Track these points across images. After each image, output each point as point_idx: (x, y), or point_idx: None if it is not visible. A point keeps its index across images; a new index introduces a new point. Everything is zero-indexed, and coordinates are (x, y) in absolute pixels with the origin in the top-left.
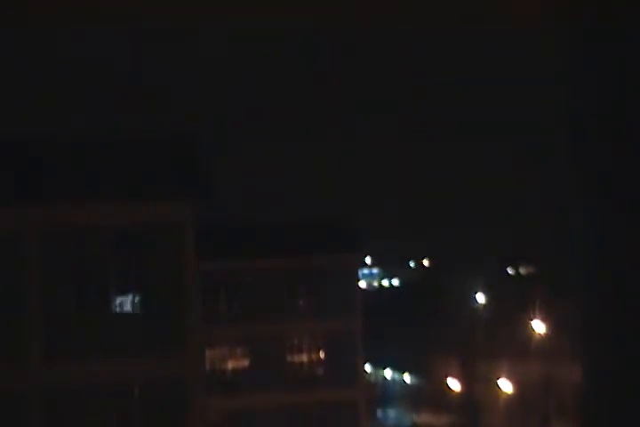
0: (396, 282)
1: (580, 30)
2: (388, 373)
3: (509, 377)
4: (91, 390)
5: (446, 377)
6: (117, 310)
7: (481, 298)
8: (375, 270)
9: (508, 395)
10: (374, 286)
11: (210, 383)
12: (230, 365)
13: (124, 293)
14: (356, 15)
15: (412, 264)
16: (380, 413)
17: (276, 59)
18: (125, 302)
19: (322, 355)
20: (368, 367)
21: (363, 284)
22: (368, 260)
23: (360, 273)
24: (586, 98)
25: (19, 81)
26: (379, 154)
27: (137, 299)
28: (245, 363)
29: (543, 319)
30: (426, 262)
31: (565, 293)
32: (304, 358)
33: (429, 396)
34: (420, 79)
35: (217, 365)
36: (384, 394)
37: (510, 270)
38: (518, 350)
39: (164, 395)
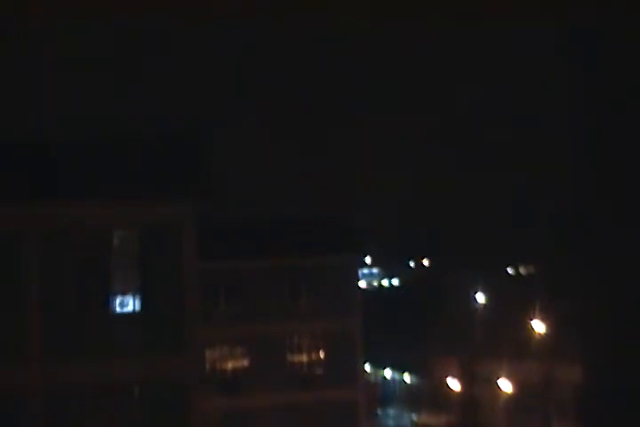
0: (395, 282)
1: (580, 30)
2: (388, 373)
3: (509, 377)
4: (91, 390)
5: (446, 377)
6: (117, 310)
7: (481, 298)
8: (375, 270)
9: (508, 395)
10: (374, 286)
11: (210, 383)
12: (230, 365)
13: (124, 293)
14: (356, 14)
15: (411, 264)
16: (380, 413)
17: (275, 56)
18: (125, 302)
19: (322, 355)
20: (368, 367)
21: (363, 284)
22: (368, 260)
23: (360, 273)
24: (586, 98)
25: (17, 81)
26: (378, 153)
27: (137, 299)
28: (245, 363)
29: (543, 319)
30: (426, 262)
31: (565, 293)
32: (304, 358)
33: (429, 396)
34: (421, 79)
35: (217, 365)
36: (384, 394)
37: (510, 270)
38: (518, 350)
39: (163, 395)
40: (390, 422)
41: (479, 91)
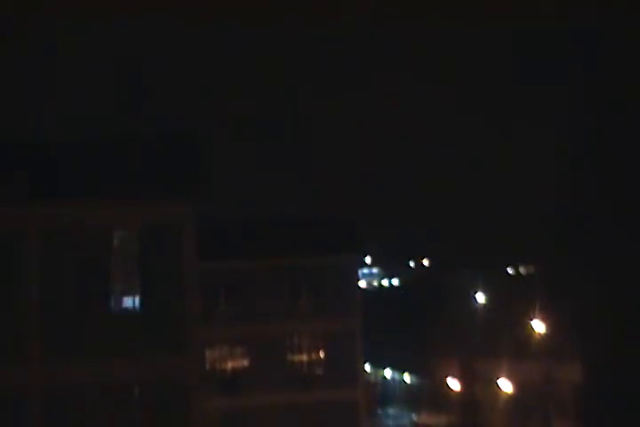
0: (395, 282)
1: (580, 30)
2: (388, 373)
3: (509, 377)
4: (91, 390)
5: (446, 377)
6: (117, 310)
7: (481, 298)
8: (375, 270)
9: (508, 395)
10: (374, 286)
11: (210, 383)
12: (230, 365)
13: (124, 293)
14: (356, 13)
15: (412, 264)
16: (380, 412)
17: (275, 57)
18: (125, 302)
19: (322, 355)
20: (368, 367)
21: (363, 284)
22: (368, 260)
23: (360, 273)
24: (586, 98)
25: (17, 81)
26: (378, 153)
27: (137, 299)
28: (245, 363)
29: (543, 319)
30: (426, 262)
31: (565, 293)
32: (304, 358)
33: (429, 396)
34: (419, 79)
35: (217, 365)
36: (384, 394)
37: (510, 270)
38: (518, 350)
39: (163, 395)
40: (390, 422)
41: (479, 90)
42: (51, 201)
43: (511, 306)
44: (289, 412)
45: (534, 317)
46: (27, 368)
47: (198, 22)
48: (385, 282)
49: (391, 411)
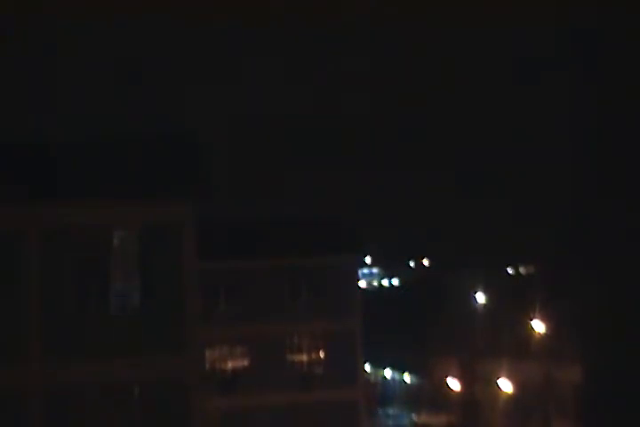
0: (395, 282)
1: (580, 30)
2: (388, 373)
3: (509, 377)
4: (91, 390)
5: (446, 377)
6: (117, 310)
7: (481, 298)
8: (375, 270)
9: (508, 395)
10: (374, 286)
11: (210, 383)
12: (230, 365)
13: (123, 293)
14: (356, 13)
15: (412, 264)
16: (380, 412)
17: (275, 57)
18: (125, 302)
19: (322, 355)
20: (368, 367)
21: (363, 284)
22: (368, 260)
23: (360, 273)
24: (586, 97)
25: (17, 81)
26: (378, 153)
27: (137, 299)
28: (245, 363)
29: (543, 319)
30: (426, 262)
31: (565, 293)
32: (304, 358)
33: (429, 396)
34: (419, 81)
35: (217, 365)
36: (384, 394)
37: (510, 270)
38: (518, 350)
39: (163, 395)
40: (390, 422)
41: (478, 91)
42: (51, 201)
43: (511, 306)
44: (289, 412)
45: (534, 317)
46: (27, 368)
47: (198, 22)
48: (385, 282)
49: (391, 411)
